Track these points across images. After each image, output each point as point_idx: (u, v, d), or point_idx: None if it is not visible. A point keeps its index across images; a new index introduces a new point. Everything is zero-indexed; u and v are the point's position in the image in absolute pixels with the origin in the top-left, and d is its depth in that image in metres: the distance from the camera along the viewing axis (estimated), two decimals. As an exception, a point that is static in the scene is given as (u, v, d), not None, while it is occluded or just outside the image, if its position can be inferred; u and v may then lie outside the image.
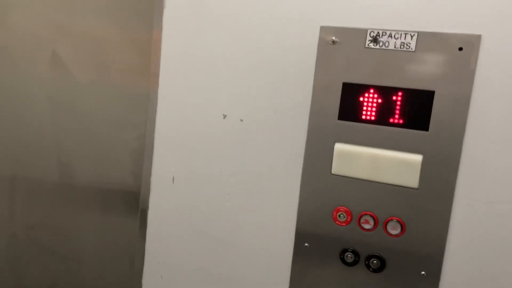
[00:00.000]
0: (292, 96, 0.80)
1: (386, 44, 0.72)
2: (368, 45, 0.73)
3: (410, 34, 0.70)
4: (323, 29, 0.75)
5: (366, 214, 0.76)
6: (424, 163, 0.72)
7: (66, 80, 1.04)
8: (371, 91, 0.73)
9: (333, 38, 0.74)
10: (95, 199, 1.06)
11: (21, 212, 1.13)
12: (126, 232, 1.02)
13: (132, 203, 1.00)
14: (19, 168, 1.11)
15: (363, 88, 0.74)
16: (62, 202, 1.08)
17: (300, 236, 0.81)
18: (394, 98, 0.72)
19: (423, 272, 0.73)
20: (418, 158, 0.72)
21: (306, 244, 0.80)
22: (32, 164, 1.09)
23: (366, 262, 0.76)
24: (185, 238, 0.92)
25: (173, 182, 0.92)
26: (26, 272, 1.15)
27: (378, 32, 0.72)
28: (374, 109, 0.73)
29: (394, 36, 0.71)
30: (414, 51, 0.70)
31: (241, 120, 0.85)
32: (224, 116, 0.86)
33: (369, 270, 0.76)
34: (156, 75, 0.91)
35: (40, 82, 1.06)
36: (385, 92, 0.72)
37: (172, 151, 0.91)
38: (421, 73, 0.70)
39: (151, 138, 0.93)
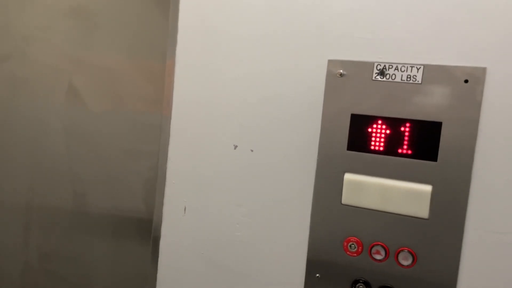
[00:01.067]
0: (301, 127, 0.82)
1: (393, 77, 0.73)
2: (375, 77, 0.74)
3: (416, 67, 0.72)
4: (331, 62, 0.77)
5: (377, 245, 0.76)
6: (433, 193, 0.72)
7: (81, 111, 1.07)
8: (379, 122, 0.74)
9: (341, 71, 0.76)
10: (108, 227, 1.07)
11: (35, 240, 1.14)
12: (138, 260, 1.03)
13: (144, 232, 1.01)
14: (35, 196, 1.13)
15: (371, 119, 0.75)
16: (76, 230, 1.10)
17: (311, 267, 0.81)
18: (402, 129, 0.73)
19: (435, 304, 0.73)
20: (427, 188, 0.72)
21: (317, 275, 0.80)
22: (47, 192, 1.12)
23: (378, 293, 0.76)
24: (196, 268, 0.92)
25: (184, 212, 0.93)
26: None
27: (385, 65, 0.73)
28: (382, 139, 0.74)
29: (401, 69, 0.73)
30: (421, 83, 0.72)
31: (252, 151, 0.86)
32: (235, 147, 0.87)
33: (381, 301, 0.76)
34: (169, 105, 0.93)
35: (57, 113, 1.09)
36: (393, 123, 0.74)
37: (184, 181, 0.92)
38: (428, 104, 0.71)
39: (163, 168, 0.94)
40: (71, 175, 1.09)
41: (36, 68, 1.11)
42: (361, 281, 0.77)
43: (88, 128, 1.07)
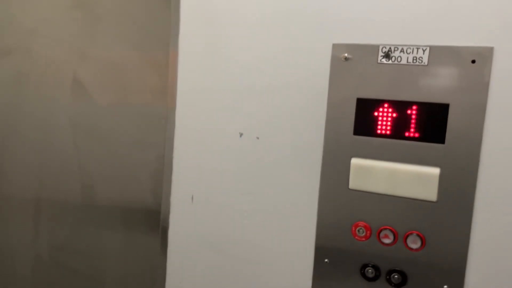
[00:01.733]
0: (307, 113, 0.81)
1: (399, 59, 0.72)
2: (380, 60, 0.74)
3: (422, 49, 0.71)
4: (336, 46, 0.77)
5: (385, 229, 0.76)
6: (441, 176, 0.72)
7: (87, 104, 1.07)
8: (386, 105, 0.74)
9: (346, 55, 0.76)
10: (117, 219, 1.08)
11: (45, 233, 1.15)
12: (148, 251, 1.04)
13: (153, 222, 1.02)
14: (43, 190, 1.14)
15: (377, 103, 0.74)
16: (85, 222, 1.10)
17: (320, 252, 0.81)
18: (409, 112, 0.72)
19: (445, 286, 0.73)
20: (435, 171, 0.72)
21: (326, 260, 0.81)
22: (56, 186, 1.12)
23: (387, 277, 0.76)
24: (205, 256, 0.93)
25: (192, 201, 0.93)
26: None
27: (390, 48, 0.73)
28: (389, 123, 0.74)
29: (406, 51, 0.72)
30: (427, 65, 0.71)
31: (257, 138, 0.86)
32: (241, 135, 0.87)
33: (391, 285, 0.76)
34: (173, 95, 0.93)
35: (63, 106, 1.09)
36: (399, 106, 0.73)
37: (191, 170, 0.93)
38: (435, 86, 0.71)
39: (170, 158, 0.95)
40: (78, 168, 1.10)
41: (40, 62, 1.11)
42: (370, 265, 0.77)
43: (94, 120, 1.07)
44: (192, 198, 0.93)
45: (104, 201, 1.08)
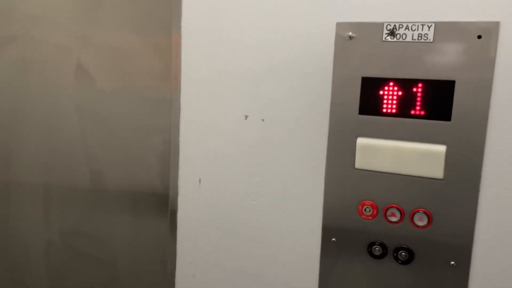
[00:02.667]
0: (312, 93, 0.81)
1: (404, 37, 0.72)
2: (385, 38, 0.73)
3: (427, 25, 0.70)
4: (339, 25, 0.76)
5: (392, 207, 0.76)
6: (448, 153, 0.72)
7: (91, 89, 1.07)
8: (391, 84, 0.73)
9: (350, 33, 0.75)
10: (126, 203, 1.09)
11: (56, 218, 1.17)
12: (158, 233, 1.05)
13: (161, 205, 1.03)
14: (52, 176, 1.15)
15: (382, 82, 0.74)
16: (95, 207, 1.12)
17: (327, 231, 0.82)
18: (415, 89, 0.72)
19: (452, 262, 0.73)
20: (441, 148, 0.72)
21: (333, 239, 0.81)
22: (64, 171, 1.14)
23: (394, 255, 0.77)
24: (214, 238, 0.94)
25: (199, 183, 0.94)
26: (63, 276, 1.19)
27: (395, 25, 0.72)
28: (394, 102, 0.74)
29: (411, 28, 0.71)
30: (432, 42, 0.70)
31: (263, 120, 0.86)
32: (246, 117, 0.87)
33: (398, 262, 0.77)
34: (178, 79, 0.93)
35: (67, 92, 1.10)
36: (405, 84, 0.72)
37: (197, 153, 0.93)
38: (441, 63, 0.70)
39: (176, 142, 0.95)
40: (86, 153, 1.11)
41: (44, 49, 1.11)
42: (377, 243, 0.78)
43: (99, 106, 1.07)
44: (200, 180, 0.94)
45: (113, 186, 1.09)
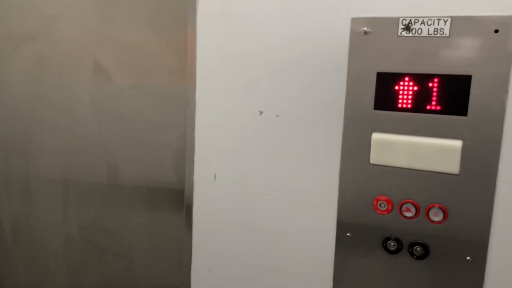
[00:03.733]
0: (327, 89, 0.81)
1: (419, 31, 0.71)
2: (400, 33, 0.73)
3: (444, 20, 0.70)
4: (354, 20, 0.76)
5: (407, 202, 0.76)
6: (464, 148, 0.71)
7: (108, 86, 1.09)
8: (406, 79, 0.73)
9: (365, 28, 0.75)
10: (143, 198, 1.11)
11: (74, 213, 1.19)
12: (173, 228, 1.07)
13: (177, 200, 1.04)
14: (70, 171, 1.17)
15: (398, 77, 0.74)
16: (112, 202, 1.14)
17: (342, 226, 0.82)
18: (430, 84, 0.72)
19: (468, 258, 0.73)
20: (458, 143, 0.71)
21: (348, 234, 0.82)
22: (82, 167, 1.16)
23: (410, 250, 0.77)
24: (229, 232, 0.95)
25: (214, 179, 0.95)
26: (81, 270, 1.22)
27: (410, 20, 0.72)
28: (410, 97, 0.73)
29: (427, 22, 0.71)
30: (449, 36, 0.70)
31: (277, 116, 0.86)
32: (261, 113, 0.88)
33: (413, 257, 0.77)
34: (193, 75, 0.94)
35: (85, 89, 1.12)
36: (420, 79, 0.72)
37: (212, 149, 0.94)
38: (457, 58, 0.70)
39: (191, 138, 0.96)
40: (103, 149, 1.12)
41: (61, 46, 1.13)
42: (392, 238, 0.78)
43: (116, 102, 1.09)
44: (215, 176, 0.95)
45: (129, 181, 1.11)
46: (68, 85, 1.13)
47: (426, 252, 0.76)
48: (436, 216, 0.74)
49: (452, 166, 0.72)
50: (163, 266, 1.11)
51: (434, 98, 0.72)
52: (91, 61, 1.10)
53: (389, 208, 0.77)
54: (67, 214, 1.20)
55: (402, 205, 0.76)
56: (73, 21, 1.11)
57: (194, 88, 0.94)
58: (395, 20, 0.73)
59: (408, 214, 0.76)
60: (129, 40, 1.05)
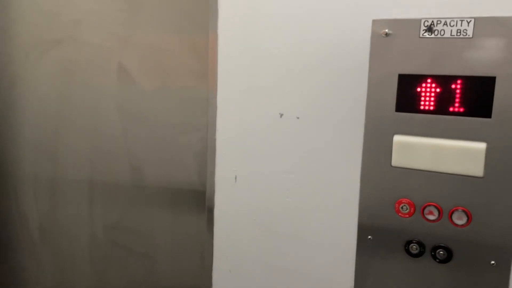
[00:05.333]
0: (348, 91, 0.81)
1: (442, 33, 0.71)
2: (422, 34, 0.72)
3: (467, 21, 0.69)
4: (375, 22, 0.75)
5: (429, 205, 0.75)
6: (488, 150, 0.70)
7: (132, 89, 1.11)
8: (429, 80, 0.72)
9: (386, 30, 0.74)
10: (165, 199, 1.12)
11: (99, 214, 1.22)
12: (195, 229, 1.08)
13: (199, 202, 1.06)
14: (95, 172, 1.20)
15: (420, 79, 0.73)
16: (135, 203, 1.16)
17: (363, 229, 0.82)
18: (453, 86, 0.71)
19: (492, 262, 0.72)
20: (482, 146, 0.70)
21: (369, 237, 0.81)
22: (107, 169, 1.18)
23: (432, 253, 0.76)
24: (250, 234, 0.95)
25: (235, 181, 0.96)
26: (106, 270, 1.24)
27: (433, 21, 0.71)
28: (432, 98, 0.73)
29: (450, 23, 0.70)
30: (472, 37, 0.69)
31: (298, 118, 0.87)
32: (281, 115, 0.88)
33: (436, 261, 0.76)
34: (214, 78, 0.95)
35: (109, 92, 1.14)
36: (443, 81, 0.71)
37: (233, 151, 0.95)
38: (480, 59, 0.68)
39: (212, 140, 0.97)
40: (127, 151, 1.15)
41: (86, 51, 1.15)
42: (414, 241, 0.77)
43: (139, 105, 1.11)
44: (236, 178, 0.95)
45: (153, 182, 1.13)
46: (93, 88, 1.16)
47: (449, 255, 0.75)
48: (459, 219, 0.73)
49: (476, 168, 0.71)
50: (185, 266, 1.13)
51: (457, 100, 0.71)
52: (115, 65, 1.12)
53: (411, 211, 0.77)
54: (93, 214, 1.23)
55: (424, 208, 0.76)
56: (98, 26, 1.13)
57: (216, 90, 0.95)
58: (417, 22, 0.72)
59: (431, 217, 0.75)
60: (152, 44, 1.07)
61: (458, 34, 0.70)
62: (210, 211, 1.00)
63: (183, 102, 1.06)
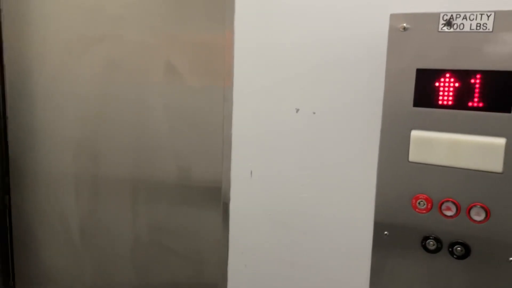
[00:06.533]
0: (364, 86, 0.81)
1: (461, 27, 0.70)
2: (441, 29, 0.71)
3: (487, 14, 0.68)
4: (393, 16, 0.75)
5: (447, 201, 0.75)
6: (508, 146, 0.69)
7: (178, 86, 1.08)
8: (447, 75, 0.72)
9: (404, 24, 0.74)
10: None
11: (143, 214, 1.19)
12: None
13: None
14: (140, 171, 1.17)
15: (438, 73, 0.72)
16: (180, 203, 1.14)
17: (379, 224, 0.82)
18: (473, 81, 0.70)
19: (511, 258, 0.71)
20: (501, 141, 0.69)
21: (385, 232, 0.81)
22: (151, 167, 1.15)
23: (450, 249, 0.75)
24: (265, 229, 0.96)
25: (251, 176, 0.96)
26: (149, 271, 1.22)
27: (452, 15, 0.70)
28: (451, 93, 0.72)
29: (469, 17, 0.69)
30: (492, 31, 0.68)
31: (314, 113, 0.87)
32: (297, 110, 0.88)
33: (453, 257, 0.75)
34: (230, 74, 0.96)
35: (155, 90, 1.11)
36: (462, 75, 0.71)
37: (249, 146, 0.95)
38: (500, 53, 0.68)
39: (228, 135, 0.98)
40: (172, 149, 1.12)
41: (130, 47, 1.12)
42: (431, 237, 0.76)
43: (185, 103, 1.09)
44: (251, 173, 0.96)
45: (198, 182, 1.10)
46: (138, 85, 1.12)
47: (467, 252, 0.74)
48: (477, 215, 0.73)
49: (495, 164, 0.70)
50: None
51: (476, 95, 0.70)
52: (162, 62, 1.09)
53: (429, 206, 0.76)
54: (136, 215, 1.19)
55: (442, 203, 0.75)
56: (143, 22, 1.09)
57: (232, 86, 0.96)
58: (436, 16, 0.72)
59: (449, 213, 0.75)
60: (198, 40, 1.05)
61: (478, 28, 0.69)
62: (225, 206, 1.00)
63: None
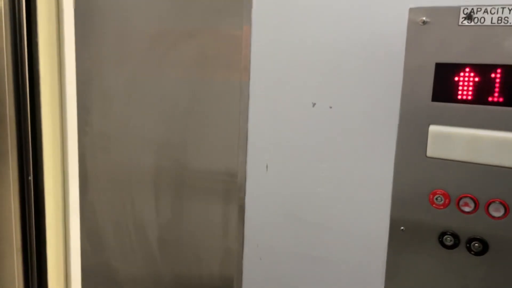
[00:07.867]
0: (382, 80, 0.80)
1: (482, 20, 0.69)
2: (461, 23, 0.71)
3: (508, 8, 0.67)
4: (412, 10, 0.74)
5: (465, 197, 0.74)
6: (528, 142, 0.68)
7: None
8: (467, 70, 0.71)
9: (424, 18, 0.73)
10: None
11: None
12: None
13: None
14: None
15: (458, 68, 0.72)
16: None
17: (396, 219, 0.81)
18: (493, 75, 0.69)
19: (531, 255, 0.70)
20: (521, 137, 0.69)
21: (402, 228, 0.81)
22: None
23: (467, 245, 0.75)
24: (280, 222, 0.96)
25: (266, 170, 0.96)
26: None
27: (472, 9, 0.69)
28: (470, 88, 0.71)
29: (490, 11, 0.68)
30: (514, 25, 0.67)
31: (330, 107, 0.86)
32: (313, 104, 0.88)
33: (471, 253, 0.75)
34: (247, 69, 0.96)
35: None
36: (482, 70, 0.70)
37: (265, 140, 0.95)
38: (523, 47, 0.67)
39: (244, 128, 0.98)
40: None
41: (220, 43, 1.04)
42: (448, 233, 0.76)
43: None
44: (267, 167, 0.96)
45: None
46: (229, 84, 1.06)
47: (485, 248, 0.73)
48: (496, 211, 0.72)
49: (515, 160, 0.70)
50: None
51: (496, 90, 0.69)
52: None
53: (446, 202, 0.76)
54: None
55: (460, 199, 0.74)
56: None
57: (248, 80, 0.96)
58: (456, 9, 0.71)
59: (466, 209, 0.74)
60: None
61: (499, 21, 0.68)
62: (241, 200, 1.01)
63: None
